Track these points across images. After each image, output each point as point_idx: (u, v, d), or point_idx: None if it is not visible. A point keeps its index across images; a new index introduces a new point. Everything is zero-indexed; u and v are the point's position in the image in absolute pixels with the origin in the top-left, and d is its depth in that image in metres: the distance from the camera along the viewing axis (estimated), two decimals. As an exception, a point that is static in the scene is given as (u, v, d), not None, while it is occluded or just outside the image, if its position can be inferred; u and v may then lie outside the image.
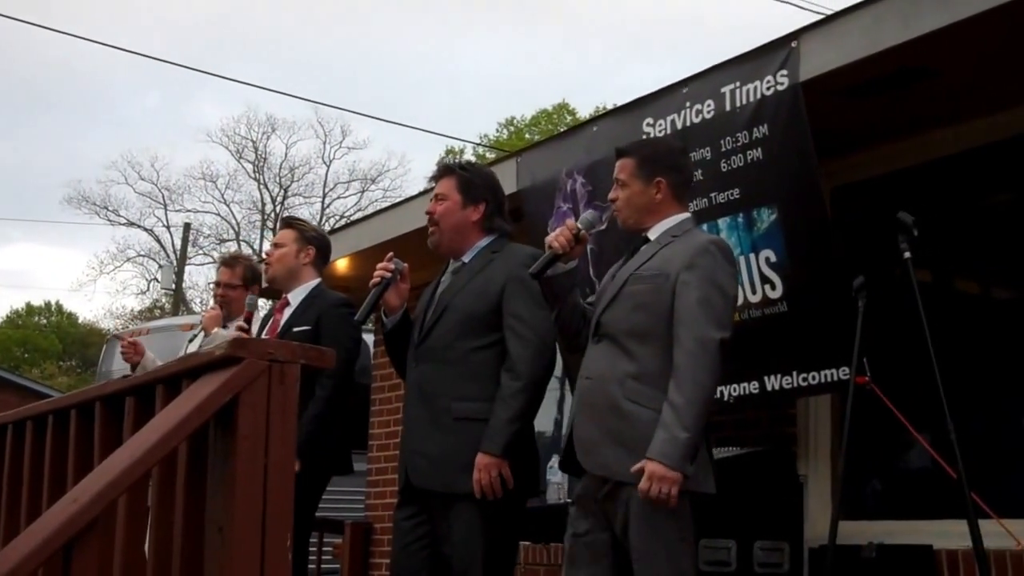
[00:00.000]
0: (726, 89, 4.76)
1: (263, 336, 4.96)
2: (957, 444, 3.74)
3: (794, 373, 4.65)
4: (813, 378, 4.60)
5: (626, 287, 3.59)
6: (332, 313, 4.75)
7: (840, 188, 5.14)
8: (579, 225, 3.64)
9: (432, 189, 4.27)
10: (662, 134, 5.03)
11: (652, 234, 3.68)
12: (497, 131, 40.09)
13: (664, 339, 3.46)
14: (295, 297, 4.92)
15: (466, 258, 4.10)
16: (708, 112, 4.85)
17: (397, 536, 4.07)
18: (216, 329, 5.52)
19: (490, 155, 32.93)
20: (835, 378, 4.52)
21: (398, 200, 7.44)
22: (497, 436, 3.79)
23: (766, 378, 4.74)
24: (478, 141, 37.13)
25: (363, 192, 37.72)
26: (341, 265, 7.46)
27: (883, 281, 4.85)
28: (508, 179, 5.92)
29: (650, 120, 5.11)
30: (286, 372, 2.19)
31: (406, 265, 4.09)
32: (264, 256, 5.15)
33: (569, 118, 37.21)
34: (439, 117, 61.63)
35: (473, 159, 35.72)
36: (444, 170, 4.22)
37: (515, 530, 3.96)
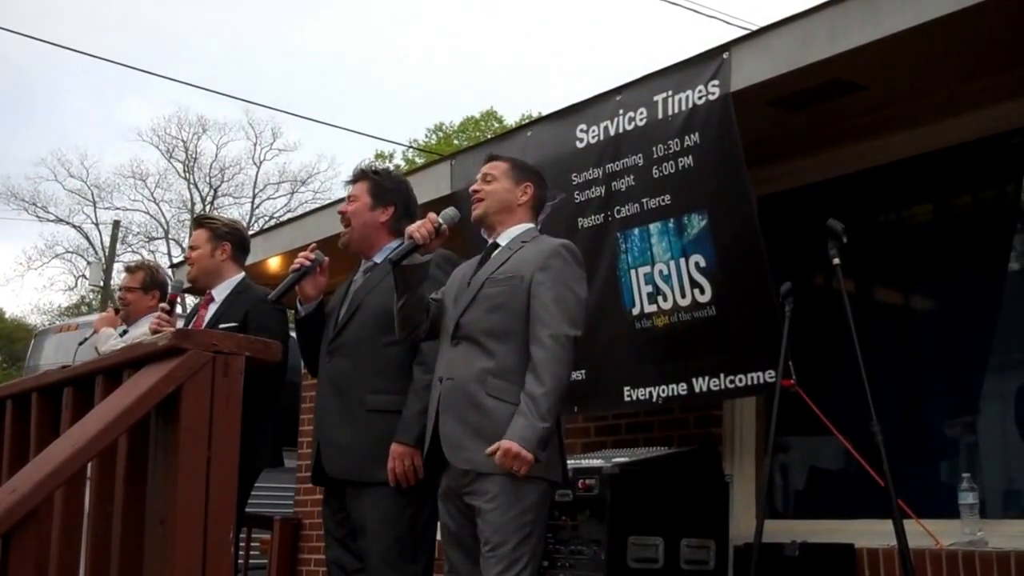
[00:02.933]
0: (659, 97, 4.84)
1: None
2: (883, 445, 3.85)
3: (722, 375, 4.72)
4: (740, 380, 4.67)
5: (482, 290, 3.80)
6: (260, 308, 4.74)
7: (767, 197, 5.24)
8: (440, 220, 3.79)
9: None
10: (595, 140, 5.10)
11: (502, 240, 3.93)
12: (426, 136, 40.08)
13: (521, 337, 3.70)
14: (219, 293, 4.93)
15: (377, 258, 4.27)
16: (641, 119, 4.92)
17: (327, 529, 4.23)
18: (104, 328, 5.66)
19: (419, 159, 32.90)
20: (761, 381, 4.59)
21: (329, 202, 7.44)
22: (410, 427, 3.94)
23: (694, 380, 4.81)
24: (407, 144, 37.08)
25: (293, 193, 37.41)
26: (273, 264, 7.45)
27: (809, 287, 4.98)
28: (443, 181, 5.97)
29: (583, 126, 5.18)
30: (230, 364, 2.19)
31: (327, 259, 4.25)
32: (185, 259, 5.15)
33: (496, 125, 37.32)
34: (368, 123, 61.45)
35: (402, 162, 35.63)
36: (358, 174, 4.41)
37: (429, 518, 4.04)
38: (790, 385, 4.35)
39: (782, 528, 4.85)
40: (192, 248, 5.02)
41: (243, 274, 5.02)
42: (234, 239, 5.02)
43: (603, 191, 5.07)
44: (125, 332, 5.61)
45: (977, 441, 4.83)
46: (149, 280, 5.73)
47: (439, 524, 3.87)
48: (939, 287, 5.04)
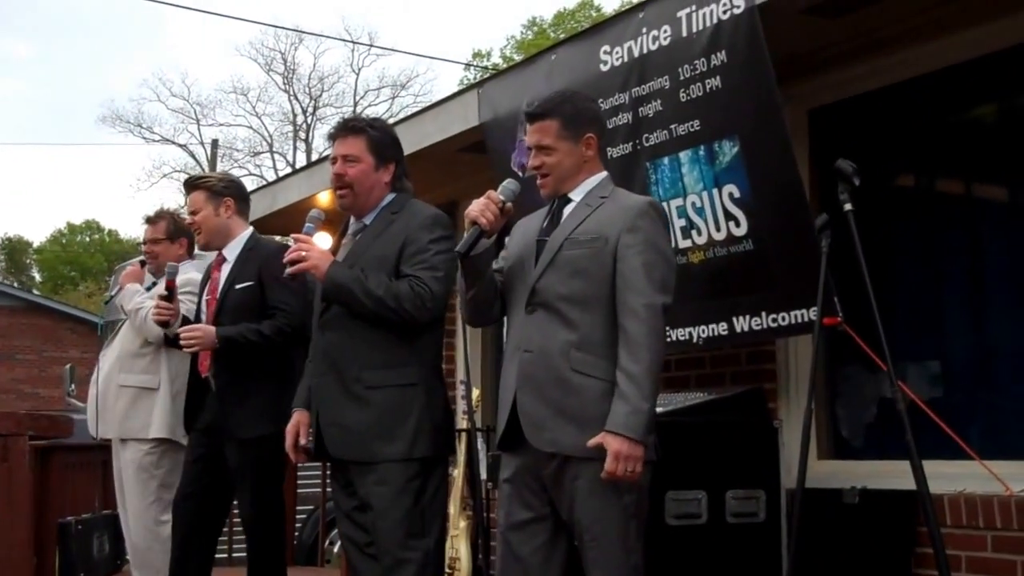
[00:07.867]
0: (682, 13, 4.45)
1: (204, 299, 4.84)
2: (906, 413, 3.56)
3: (763, 313, 4.41)
4: (783, 319, 4.36)
5: (562, 252, 3.36)
6: (274, 262, 4.55)
7: (817, 110, 4.81)
8: (502, 197, 3.39)
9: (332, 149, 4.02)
10: (620, 63, 4.75)
11: (575, 195, 3.46)
12: (522, 32, 39.29)
13: (606, 305, 3.30)
14: (230, 252, 4.79)
15: (367, 219, 3.96)
16: (665, 38, 4.54)
17: (336, 503, 4.02)
18: (128, 284, 5.42)
19: (517, 56, 32.31)
20: (806, 319, 4.26)
21: (428, 104, 6.80)
22: None
23: (735, 319, 4.51)
24: (503, 45, 36.33)
25: (394, 98, 37.15)
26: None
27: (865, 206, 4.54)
28: (470, 111, 5.67)
29: (607, 48, 4.82)
30: (10, 447, 1.87)
31: (323, 215, 3.95)
32: (190, 224, 4.96)
33: (594, 14, 36.24)
34: (465, 18, 60.66)
35: (500, 60, 35.04)
36: (352, 128, 3.99)
37: (437, 489, 3.84)
38: (836, 323, 4.03)
39: (845, 469, 4.62)
40: (193, 212, 4.85)
41: (251, 229, 4.88)
42: (233, 192, 4.87)
43: (631, 117, 4.72)
44: (154, 285, 5.42)
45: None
46: (173, 228, 5.51)
47: (500, 511, 3.52)
48: (1010, 194, 4.52)
